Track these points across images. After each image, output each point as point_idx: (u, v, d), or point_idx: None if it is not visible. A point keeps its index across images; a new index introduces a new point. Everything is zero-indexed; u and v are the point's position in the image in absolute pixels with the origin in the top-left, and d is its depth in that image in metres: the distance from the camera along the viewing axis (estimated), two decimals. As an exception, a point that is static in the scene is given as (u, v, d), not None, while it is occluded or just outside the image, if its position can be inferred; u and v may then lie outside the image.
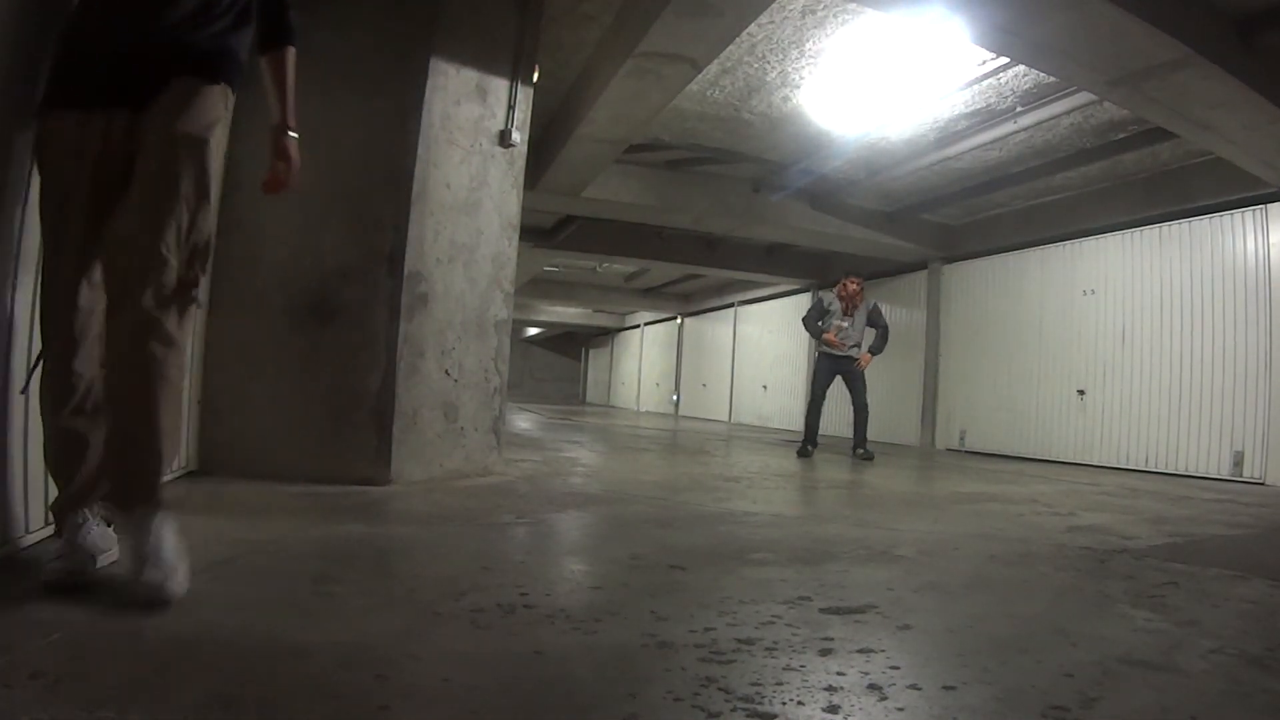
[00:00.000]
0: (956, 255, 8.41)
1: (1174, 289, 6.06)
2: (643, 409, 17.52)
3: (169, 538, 1.41)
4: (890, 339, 6.12)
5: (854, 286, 6.02)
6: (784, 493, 3.83)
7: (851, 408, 6.00)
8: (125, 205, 1.44)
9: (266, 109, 1.76)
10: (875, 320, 6.04)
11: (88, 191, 1.45)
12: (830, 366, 6.01)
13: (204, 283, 1.47)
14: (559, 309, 17.71)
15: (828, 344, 5.99)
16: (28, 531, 1.67)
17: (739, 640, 1.35)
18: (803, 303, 11.39)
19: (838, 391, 6.04)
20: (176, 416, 1.51)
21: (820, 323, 6.05)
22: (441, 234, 3.25)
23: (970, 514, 3.27)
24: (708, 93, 5.29)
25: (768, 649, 1.32)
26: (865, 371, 6.02)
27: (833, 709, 1.08)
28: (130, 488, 1.44)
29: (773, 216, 7.61)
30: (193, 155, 1.47)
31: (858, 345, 6.04)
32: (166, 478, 1.49)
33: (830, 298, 6.12)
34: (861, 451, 5.87)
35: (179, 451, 1.38)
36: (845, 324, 5.99)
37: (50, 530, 1.58)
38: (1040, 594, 1.89)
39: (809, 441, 5.97)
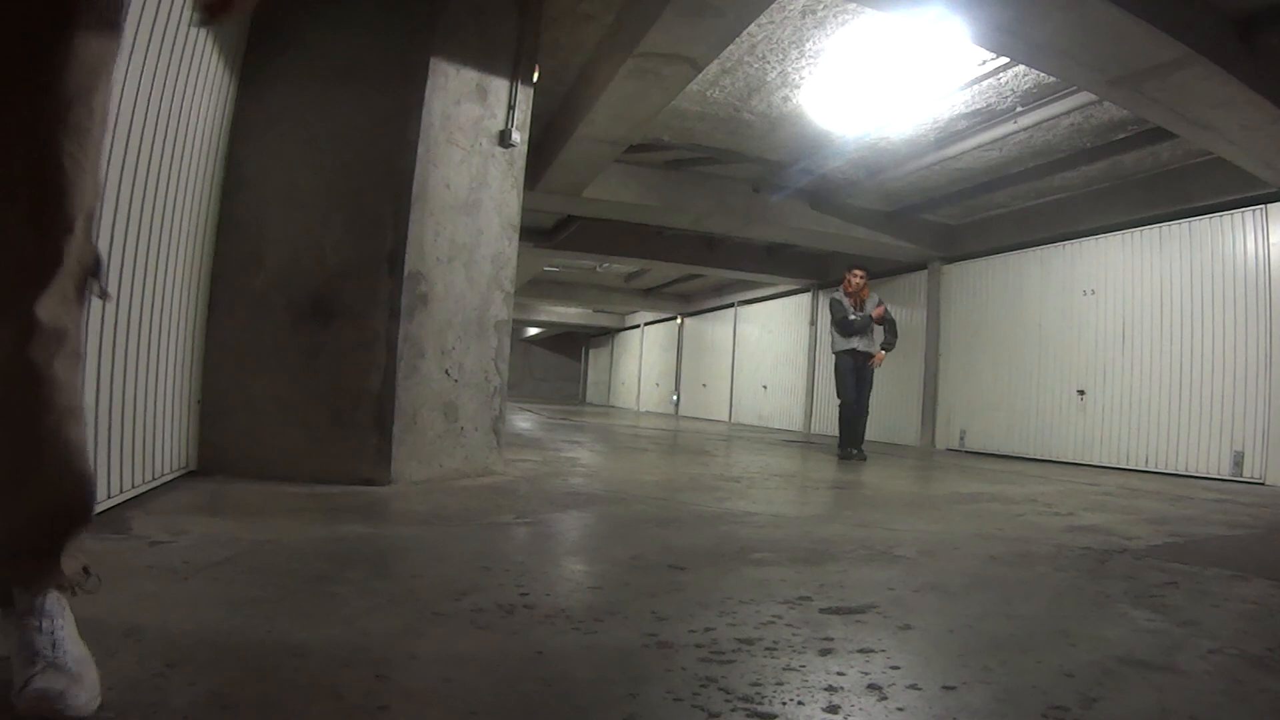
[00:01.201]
0: (956, 255, 8.42)
1: (1174, 289, 6.06)
2: (643, 409, 17.52)
3: (68, 627, 0.98)
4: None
5: (858, 280, 5.99)
6: (784, 493, 3.83)
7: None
8: None
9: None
10: (882, 316, 6.02)
11: None
12: (854, 365, 5.97)
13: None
14: (559, 309, 17.72)
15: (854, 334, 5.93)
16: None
17: (739, 640, 1.35)
18: (803, 303, 11.39)
19: (830, 392, 6.02)
20: (84, 457, 1.04)
21: (852, 318, 5.98)
22: (441, 234, 3.25)
23: (970, 514, 3.26)
24: (708, 93, 5.29)
25: (768, 649, 1.32)
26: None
27: (833, 709, 1.08)
28: (20, 554, 1.00)
29: (773, 216, 7.61)
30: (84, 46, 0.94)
31: (872, 343, 6.01)
32: (70, 543, 1.04)
33: (841, 296, 6.10)
34: (855, 452, 5.85)
35: (91, 510, 1.07)
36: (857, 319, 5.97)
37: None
38: (1040, 594, 1.89)
39: (852, 445, 5.88)
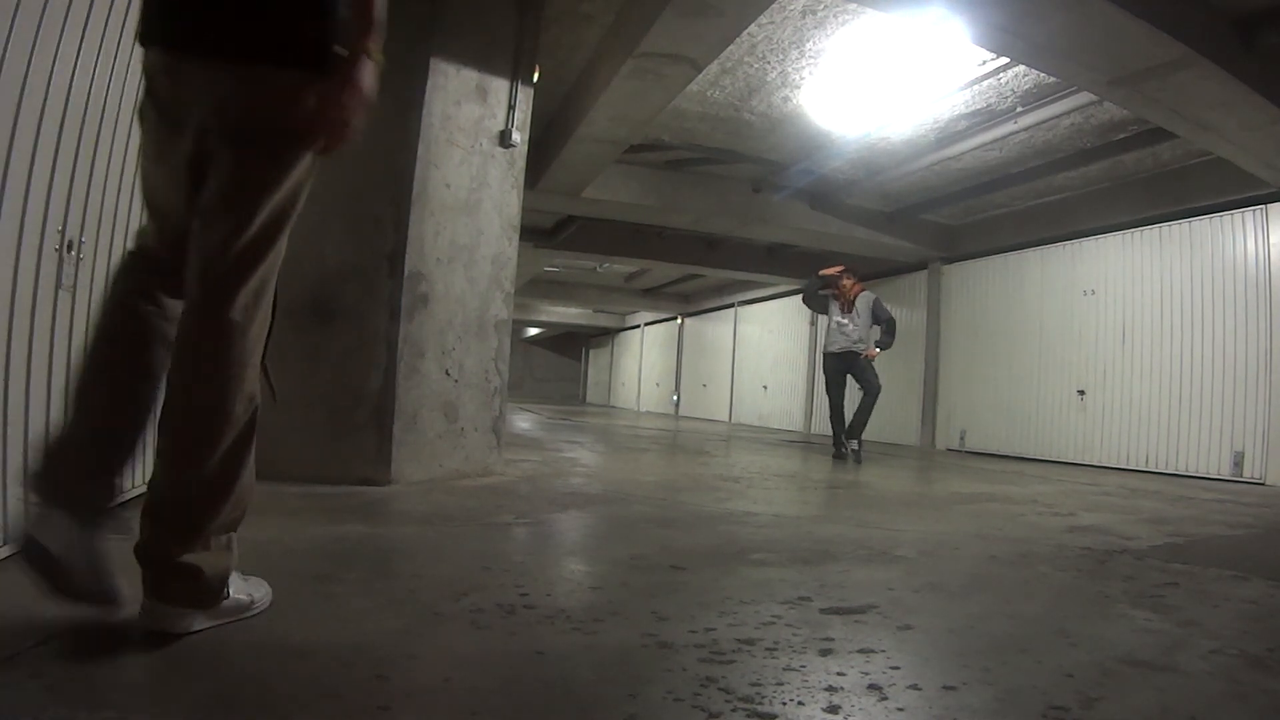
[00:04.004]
0: (956, 255, 8.42)
1: (1174, 289, 6.06)
2: (643, 409, 17.52)
3: None
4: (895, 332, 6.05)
5: (848, 283, 5.94)
6: (784, 493, 3.83)
7: (861, 392, 5.82)
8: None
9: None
10: (879, 314, 5.92)
11: None
12: (838, 366, 5.92)
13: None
14: (559, 309, 17.71)
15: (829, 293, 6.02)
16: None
17: (739, 640, 1.35)
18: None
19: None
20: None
21: (825, 311, 6.02)
22: (442, 234, 3.25)
23: (970, 514, 3.26)
24: (708, 93, 5.29)
25: (768, 649, 1.32)
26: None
27: (833, 709, 1.08)
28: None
29: (773, 216, 7.61)
30: None
31: (862, 341, 5.88)
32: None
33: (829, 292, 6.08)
34: (855, 446, 5.73)
35: None
36: (845, 320, 5.91)
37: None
38: (1040, 594, 1.89)
39: (840, 444, 5.88)
